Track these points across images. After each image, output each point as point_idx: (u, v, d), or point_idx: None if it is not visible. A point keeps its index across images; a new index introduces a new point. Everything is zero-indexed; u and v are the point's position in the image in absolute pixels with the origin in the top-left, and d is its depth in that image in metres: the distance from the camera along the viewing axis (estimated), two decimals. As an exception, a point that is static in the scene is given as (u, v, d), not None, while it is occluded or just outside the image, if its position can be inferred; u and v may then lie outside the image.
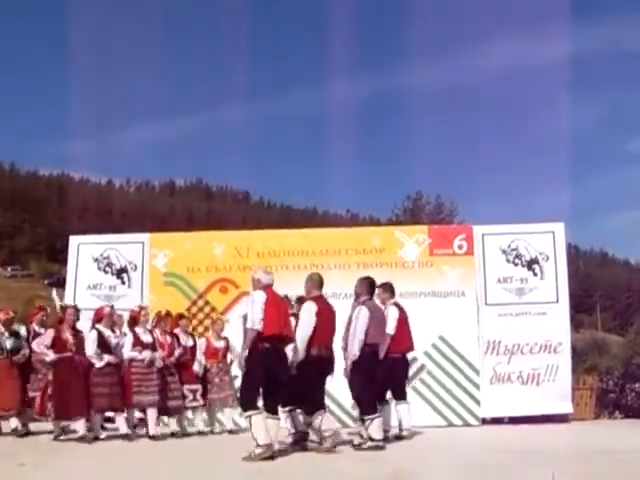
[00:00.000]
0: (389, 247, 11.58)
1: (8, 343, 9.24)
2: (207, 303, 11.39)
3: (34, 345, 8.90)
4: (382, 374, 8.35)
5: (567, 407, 11.19)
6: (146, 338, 9.10)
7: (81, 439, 8.40)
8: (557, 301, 11.29)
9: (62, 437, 8.69)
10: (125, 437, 8.63)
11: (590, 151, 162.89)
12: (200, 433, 9.53)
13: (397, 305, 9.01)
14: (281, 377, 7.11)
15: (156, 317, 9.60)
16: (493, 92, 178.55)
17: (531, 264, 11.43)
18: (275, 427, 7.06)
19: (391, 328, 8.70)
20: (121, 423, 8.82)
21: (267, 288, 7.31)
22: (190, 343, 9.72)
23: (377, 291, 8.97)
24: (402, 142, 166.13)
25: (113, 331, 8.98)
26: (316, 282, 7.85)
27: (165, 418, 9.54)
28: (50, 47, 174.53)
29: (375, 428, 7.66)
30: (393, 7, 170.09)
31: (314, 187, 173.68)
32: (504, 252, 11.45)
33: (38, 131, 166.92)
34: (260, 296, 7.12)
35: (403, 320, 8.89)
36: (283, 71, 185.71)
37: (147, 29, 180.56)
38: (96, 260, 11.72)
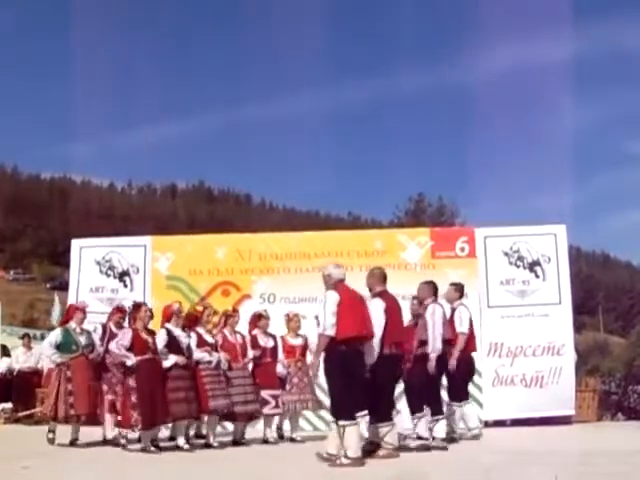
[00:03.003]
0: (391, 249, 11.58)
1: (82, 339, 8.63)
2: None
3: (112, 346, 8.05)
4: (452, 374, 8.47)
5: (570, 409, 11.18)
6: (209, 339, 8.53)
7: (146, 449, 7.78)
8: (559, 303, 11.29)
9: (152, 449, 7.87)
10: (208, 446, 8.15)
11: (591, 152, 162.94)
12: (277, 439, 9.01)
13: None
14: (361, 378, 6.86)
15: (223, 316, 9.08)
16: (493, 94, 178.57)
17: (533, 266, 11.43)
18: (355, 432, 6.74)
19: (465, 327, 8.76)
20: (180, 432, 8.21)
21: (339, 285, 6.91)
22: (271, 344, 9.06)
23: (447, 289, 9.10)
24: (403, 144, 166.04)
25: (183, 330, 8.34)
26: (378, 276, 7.48)
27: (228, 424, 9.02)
28: (52, 49, 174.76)
29: (423, 426, 7.71)
30: (395, 9, 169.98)
31: (316, 189, 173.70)
32: (506, 254, 11.45)
33: (40, 134, 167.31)
34: (332, 297, 6.72)
35: (471, 321, 8.98)
36: (284, 73, 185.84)
37: (149, 32, 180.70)
38: (98, 263, 11.73)
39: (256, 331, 9.14)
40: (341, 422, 6.62)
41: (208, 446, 8.28)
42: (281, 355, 9.13)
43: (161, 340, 8.02)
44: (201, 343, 8.41)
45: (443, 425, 7.92)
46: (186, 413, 8.03)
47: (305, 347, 9.29)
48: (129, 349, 7.88)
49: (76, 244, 12.08)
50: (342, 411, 6.67)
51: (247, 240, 12.23)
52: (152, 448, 7.82)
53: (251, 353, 8.85)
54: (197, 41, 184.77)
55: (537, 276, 11.40)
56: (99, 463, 7.39)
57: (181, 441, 8.10)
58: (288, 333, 9.36)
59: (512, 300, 11.30)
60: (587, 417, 13.57)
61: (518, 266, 11.44)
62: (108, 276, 11.70)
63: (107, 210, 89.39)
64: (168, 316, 8.31)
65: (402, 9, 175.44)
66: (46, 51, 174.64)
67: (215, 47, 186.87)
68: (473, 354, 9.18)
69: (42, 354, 8.93)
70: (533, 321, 11.17)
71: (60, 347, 8.60)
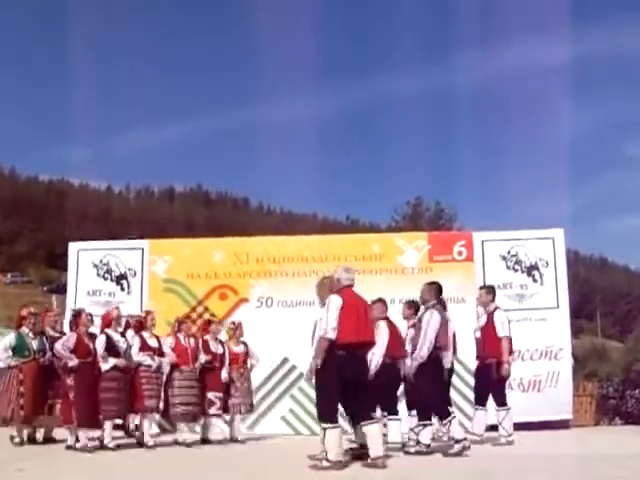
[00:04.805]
0: (389, 253, 11.59)
1: (34, 344, 8.96)
2: (206, 309, 11.38)
3: (58, 346, 8.35)
4: (486, 378, 8.64)
5: (567, 413, 11.17)
6: (152, 343, 8.93)
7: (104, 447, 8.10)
8: (557, 307, 11.30)
9: (90, 447, 8.12)
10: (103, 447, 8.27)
11: (589, 155, 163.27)
12: (220, 441, 9.25)
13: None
14: (361, 383, 6.85)
15: (176, 322, 9.45)
16: (492, 97, 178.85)
17: (531, 270, 11.44)
18: (377, 432, 6.78)
19: (508, 330, 8.77)
20: (107, 433, 8.36)
21: (346, 290, 6.93)
22: (220, 350, 9.49)
23: (479, 293, 9.11)
24: (401, 148, 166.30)
25: (123, 335, 8.74)
26: (328, 287, 7.31)
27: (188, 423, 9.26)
28: (49, 52, 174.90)
29: (456, 429, 7.63)
30: (393, 13, 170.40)
31: (314, 193, 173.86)
32: (504, 258, 11.46)
33: (38, 136, 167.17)
34: (336, 301, 6.72)
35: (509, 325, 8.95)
36: (281, 76, 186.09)
37: (146, 35, 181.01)
38: (96, 266, 11.73)
39: (207, 337, 9.51)
40: (323, 425, 6.66)
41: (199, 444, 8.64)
42: (227, 361, 9.52)
43: (101, 345, 8.43)
44: (144, 347, 8.81)
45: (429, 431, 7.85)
46: (115, 414, 8.41)
47: (246, 354, 9.72)
48: (72, 351, 8.26)
49: (73, 247, 12.08)
50: (325, 414, 6.71)
51: (245, 243, 12.23)
52: (89, 446, 8.09)
53: (202, 358, 9.21)
54: (194, 44, 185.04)
55: (535, 280, 11.41)
56: (94, 465, 7.37)
57: (107, 439, 8.32)
58: (230, 340, 9.75)
59: (510, 304, 11.25)
60: (585, 421, 13.61)
61: (516, 270, 11.44)
62: (105, 279, 11.70)
63: (104, 213, 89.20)
64: (108, 322, 8.70)
65: (400, 10, 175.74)
66: (44, 53, 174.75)
67: (212, 50, 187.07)
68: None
69: None
70: (531, 325, 11.16)
71: (14, 351, 8.93)
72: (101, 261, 11.74)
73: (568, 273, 11.65)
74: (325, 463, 6.55)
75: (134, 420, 9.28)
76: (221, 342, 9.64)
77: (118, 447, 8.33)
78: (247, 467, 7.24)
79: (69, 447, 8.20)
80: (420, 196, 38.95)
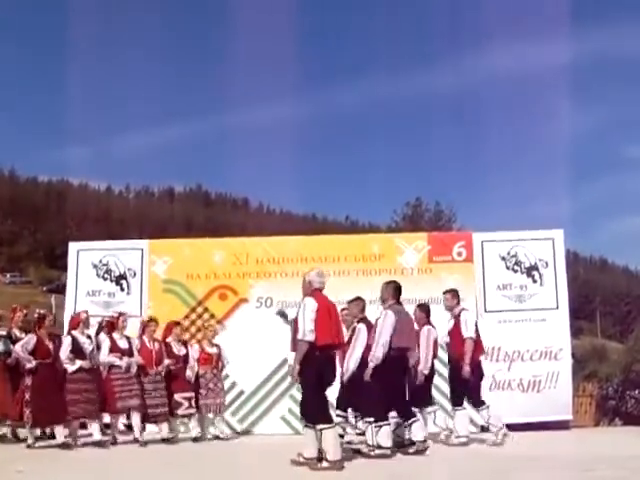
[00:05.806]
0: (388, 254, 11.57)
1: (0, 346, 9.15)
2: (206, 310, 11.37)
3: (17, 348, 8.56)
4: (458, 380, 8.61)
5: (567, 414, 11.17)
6: (123, 344, 9.14)
7: (62, 446, 8.24)
8: (557, 307, 11.30)
9: (37, 445, 8.46)
10: (98, 444, 8.51)
11: (589, 157, 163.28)
12: (194, 440, 9.40)
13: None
14: (330, 384, 7.03)
15: (141, 324, 9.67)
16: (491, 98, 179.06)
17: (530, 271, 11.44)
18: (333, 435, 6.87)
19: (472, 332, 8.74)
20: (95, 430, 8.66)
21: (317, 293, 7.06)
22: (183, 351, 9.72)
23: (444, 297, 9.13)
24: (401, 149, 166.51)
25: (89, 337, 8.93)
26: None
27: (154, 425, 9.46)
28: (49, 52, 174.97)
29: (384, 435, 7.62)
30: (390, 14, 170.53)
31: (314, 193, 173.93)
32: (503, 259, 11.46)
33: (37, 137, 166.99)
34: (311, 304, 6.88)
35: (477, 325, 8.94)
36: (282, 76, 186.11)
37: (146, 36, 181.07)
38: (95, 267, 11.71)
39: (170, 339, 9.73)
40: (319, 426, 6.70)
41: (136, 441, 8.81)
42: (193, 362, 9.72)
43: (66, 346, 8.63)
44: (114, 348, 9.05)
45: (420, 428, 7.85)
46: (81, 413, 8.55)
47: (220, 355, 9.99)
48: (32, 353, 8.43)
49: (73, 247, 12.06)
50: (320, 415, 6.76)
51: (244, 244, 12.21)
52: (35, 445, 8.32)
53: (166, 362, 9.45)
54: (194, 44, 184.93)
55: (534, 281, 11.40)
56: (92, 465, 7.39)
57: (97, 435, 8.64)
58: (204, 342, 10.05)
59: (509, 305, 11.29)
60: (584, 422, 13.61)
61: (515, 271, 11.44)
62: (105, 279, 11.67)
63: (104, 213, 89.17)
64: (75, 324, 8.95)
65: (400, 10, 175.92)
66: (44, 53, 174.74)
67: (211, 50, 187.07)
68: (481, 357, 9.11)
69: None
70: (530, 326, 11.16)
71: None
72: (101, 261, 11.72)
73: (568, 274, 11.65)
74: (325, 464, 6.57)
75: (114, 420, 9.26)
76: (184, 343, 9.90)
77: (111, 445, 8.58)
78: (246, 468, 7.25)
79: (64, 445, 8.24)
80: (420, 197, 39.05)
